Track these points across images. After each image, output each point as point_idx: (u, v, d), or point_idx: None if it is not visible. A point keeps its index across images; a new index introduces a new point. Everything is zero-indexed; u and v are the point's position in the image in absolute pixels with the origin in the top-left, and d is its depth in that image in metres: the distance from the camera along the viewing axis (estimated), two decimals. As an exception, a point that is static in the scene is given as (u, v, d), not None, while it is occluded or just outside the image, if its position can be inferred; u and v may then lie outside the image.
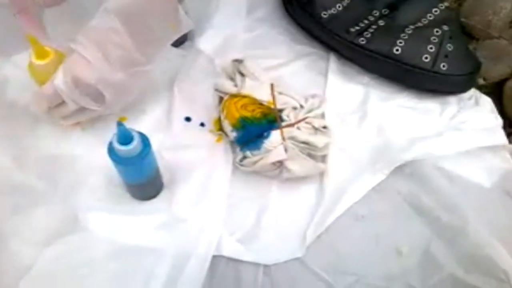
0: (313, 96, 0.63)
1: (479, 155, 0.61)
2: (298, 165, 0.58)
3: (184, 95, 0.65)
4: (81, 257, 0.53)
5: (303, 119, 0.60)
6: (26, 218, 0.55)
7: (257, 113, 0.60)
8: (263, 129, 0.59)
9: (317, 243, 0.55)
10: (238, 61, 0.64)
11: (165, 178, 0.59)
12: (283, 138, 0.58)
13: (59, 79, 0.53)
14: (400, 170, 0.60)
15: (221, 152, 0.61)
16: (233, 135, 0.59)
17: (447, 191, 0.58)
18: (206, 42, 0.70)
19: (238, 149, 0.60)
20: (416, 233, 0.57)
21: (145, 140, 0.50)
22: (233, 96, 0.61)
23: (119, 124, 0.46)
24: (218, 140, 0.62)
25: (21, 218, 0.55)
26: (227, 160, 0.60)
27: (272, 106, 0.61)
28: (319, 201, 0.59)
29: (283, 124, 0.59)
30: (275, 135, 0.58)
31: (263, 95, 0.61)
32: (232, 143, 0.61)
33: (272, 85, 0.62)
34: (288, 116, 0.60)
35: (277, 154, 0.57)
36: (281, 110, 0.61)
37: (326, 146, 0.59)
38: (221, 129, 0.62)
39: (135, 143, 0.47)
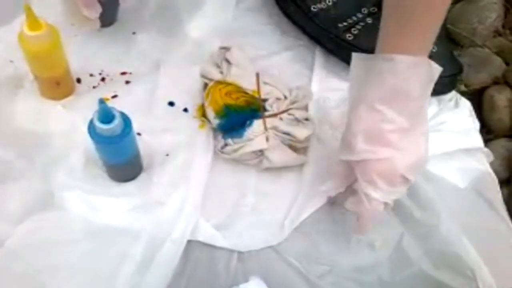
0: (298, 88, 0.63)
1: (455, 156, 0.63)
2: (278, 155, 0.58)
3: (169, 79, 0.65)
4: (55, 235, 0.53)
5: (286, 110, 0.60)
6: (0, 193, 0.54)
7: (241, 101, 0.60)
8: (246, 118, 0.59)
9: (292, 233, 0.56)
10: (226, 49, 0.64)
11: (145, 161, 0.58)
12: (265, 128, 0.58)
13: None
14: (377, 166, 0.61)
15: (202, 139, 0.61)
16: (216, 122, 0.59)
17: (422, 189, 0.59)
18: (195, 29, 0.70)
19: (220, 136, 0.60)
20: (389, 228, 0.58)
21: (126, 120, 0.49)
22: (218, 83, 0.61)
23: (101, 101, 0.46)
24: (200, 127, 0.62)
25: (-5, 193, 0.54)
26: (208, 147, 0.60)
27: (257, 95, 0.61)
28: (297, 192, 0.59)
29: (266, 113, 0.60)
30: (257, 124, 0.58)
31: (248, 84, 0.61)
32: (214, 130, 0.61)
33: (257, 74, 0.62)
34: (272, 106, 0.60)
35: (258, 143, 0.57)
36: (265, 100, 0.61)
37: (307, 138, 0.60)
38: (204, 115, 0.62)
39: (116, 122, 0.47)
